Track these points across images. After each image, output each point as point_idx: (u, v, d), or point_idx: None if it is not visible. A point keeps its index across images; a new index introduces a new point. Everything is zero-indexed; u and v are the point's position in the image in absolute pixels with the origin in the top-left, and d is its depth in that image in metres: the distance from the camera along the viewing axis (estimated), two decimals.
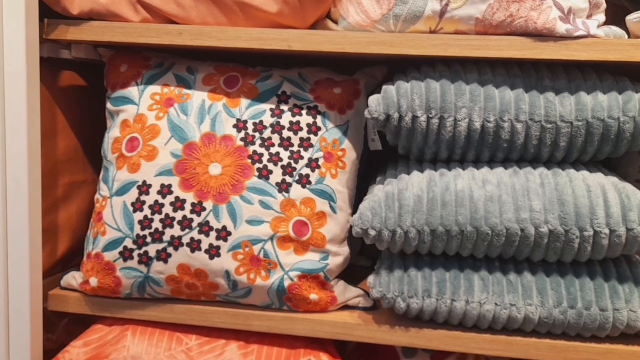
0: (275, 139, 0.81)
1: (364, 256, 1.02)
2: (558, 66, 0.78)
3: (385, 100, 0.77)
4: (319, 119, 0.82)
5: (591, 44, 0.72)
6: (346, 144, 0.84)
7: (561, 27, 0.72)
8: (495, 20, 0.73)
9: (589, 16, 0.74)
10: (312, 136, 0.82)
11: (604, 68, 0.79)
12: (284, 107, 0.82)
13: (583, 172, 0.77)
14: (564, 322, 0.75)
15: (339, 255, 0.83)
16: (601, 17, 0.75)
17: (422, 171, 0.81)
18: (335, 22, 0.80)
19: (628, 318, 0.73)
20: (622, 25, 0.76)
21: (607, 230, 0.72)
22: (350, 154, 0.84)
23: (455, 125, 0.76)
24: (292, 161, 0.80)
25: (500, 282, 0.77)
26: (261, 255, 0.78)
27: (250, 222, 0.78)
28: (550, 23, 0.72)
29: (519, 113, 0.75)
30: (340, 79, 0.86)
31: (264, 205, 0.79)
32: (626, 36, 0.75)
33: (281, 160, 0.80)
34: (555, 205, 0.74)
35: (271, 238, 0.78)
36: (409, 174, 0.81)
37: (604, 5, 0.75)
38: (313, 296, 0.80)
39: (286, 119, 0.81)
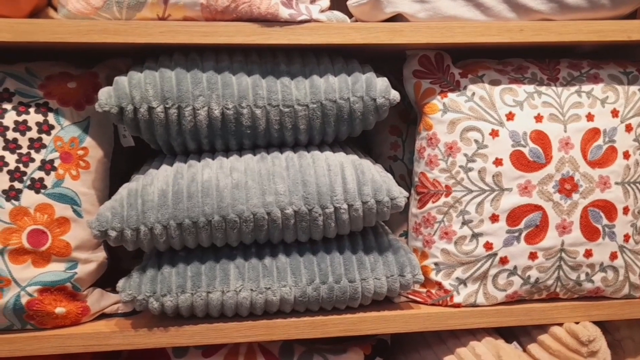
0: None
1: None
2: (294, 51, 0.80)
3: (117, 92, 0.73)
4: (50, 116, 0.75)
5: (315, 28, 0.75)
6: (88, 141, 0.78)
7: (284, 12, 0.73)
8: (220, 5, 0.72)
9: (312, 1, 0.77)
10: (44, 136, 0.75)
11: (344, 51, 0.83)
12: (7, 106, 0.74)
13: (327, 152, 0.80)
14: (318, 298, 0.77)
15: (90, 262, 0.77)
16: (324, 2, 0.78)
17: (171, 164, 0.78)
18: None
19: (374, 286, 0.78)
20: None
21: (345, 206, 0.75)
22: (94, 153, 0.78)
23: (195, 114, 0.75)
24: (21, 165, 0.73)
25: (255, 268, 0.77)
26: None
27: None
28: (273, 8, 0.73)
29: (257, 99, 0.76)
30: (77, 73, 0.80)
31: None
32: (348, 20, 0.78)
33: (7, 164, 0.72)
34: (299, 187, 0.75)
35: (0, 252, 0.70)
36: (158, 168, 0.78)
37: None
38: (60, 310, 0.73)
39: (10, 118, 0.73)
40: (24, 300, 0.71)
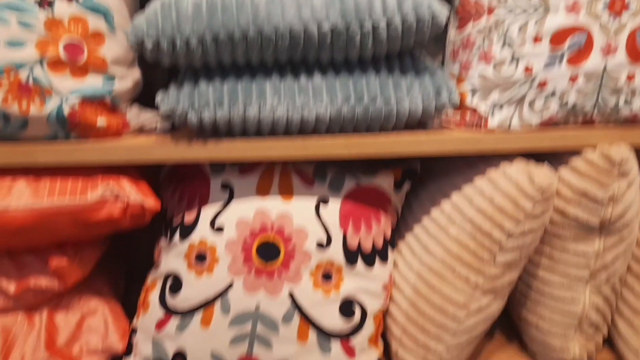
0: None
1: None
2: None
3: None
4: None
5: None
6: None
7: None
8: None
9: None
10: None
11: None
12: None
13: None
14: (353, 118, 0.78)
15: (126, 78, 0.77)
16: None
17: None
18: None
19: (409, 107, 0.78)
20: None
21: (384, 22, 0.73)
22: None
23: None
24: None
25: (291, 87, 0.77)
26: (30, 82, 0.70)
27: (10, 44, 0.69)
28: None
29: None
30: None
31: (24, 25, 0.69)
32: None
33: None
34: (336, 2, 0.73)
35: (40, 62, 0.71)
36: None
37: None
38: (101, 122, 0.75)
39: None
40: (66, 110, 0.72)
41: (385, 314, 0.92)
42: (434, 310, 0.85)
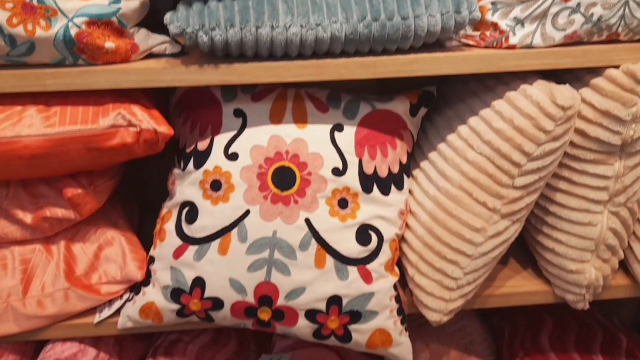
0: None
1: None
2: None
3: None
4: None
5: None
6: None
7: None
8: None
9: None
10: None
11: None
12: None
13: None
14: (370, 36, 0.75)
15: None
16: None
17: None
18: None
19: (428, 24, 0.75)
20: None
21: None
22: None
23: None
24: None
25: (304, 4, 0.74)
26: (34, 1, 0.68)
27: None
28: None
29: None
30: None
31: None
32: None
33: None
34: None
35: None
36: None
37: None
38: (109, 45, 0.72)
39: None
40: (73, 31, 0.70)
41: (401, 240, 0.92)
42: (451, 235, 0.85)
